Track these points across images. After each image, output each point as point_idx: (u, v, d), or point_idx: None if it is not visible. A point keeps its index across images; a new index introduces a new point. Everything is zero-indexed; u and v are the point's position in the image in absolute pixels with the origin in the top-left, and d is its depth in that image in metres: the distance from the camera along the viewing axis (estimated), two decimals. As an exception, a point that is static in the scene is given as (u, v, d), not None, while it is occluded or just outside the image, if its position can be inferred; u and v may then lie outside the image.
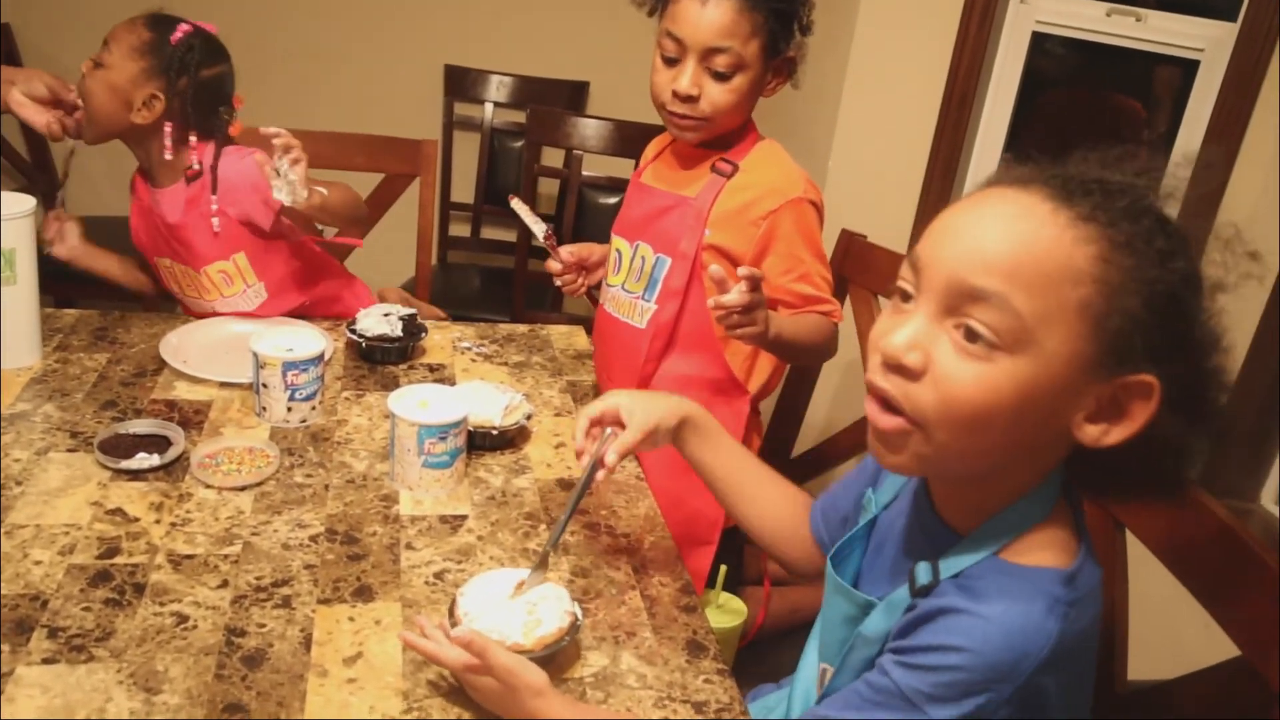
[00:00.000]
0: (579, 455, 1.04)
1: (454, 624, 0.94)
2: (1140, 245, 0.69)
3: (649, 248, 1.47)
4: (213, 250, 1.56)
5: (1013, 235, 0.70)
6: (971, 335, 0.70)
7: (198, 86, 1.52)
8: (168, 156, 1.52)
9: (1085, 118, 2.32)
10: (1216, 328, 0.72)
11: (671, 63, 1.36)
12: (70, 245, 1.57)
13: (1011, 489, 0.77)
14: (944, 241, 0.73)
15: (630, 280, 1.50)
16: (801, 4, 1.37)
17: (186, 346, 1.49)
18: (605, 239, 1.58)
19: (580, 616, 0.98)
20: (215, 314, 1.62)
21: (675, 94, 1.36)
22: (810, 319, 1.42)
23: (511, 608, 0.95)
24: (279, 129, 1.39)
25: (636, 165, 1.61)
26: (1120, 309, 0.68)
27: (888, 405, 0.74)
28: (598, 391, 1.52)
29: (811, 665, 0.95)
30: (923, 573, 0.78)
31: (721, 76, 1.35)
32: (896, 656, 0.76)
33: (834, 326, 1.45)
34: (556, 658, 0.96)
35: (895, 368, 0.72)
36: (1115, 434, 0.71)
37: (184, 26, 1.52)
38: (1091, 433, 0.72)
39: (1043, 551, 0.76)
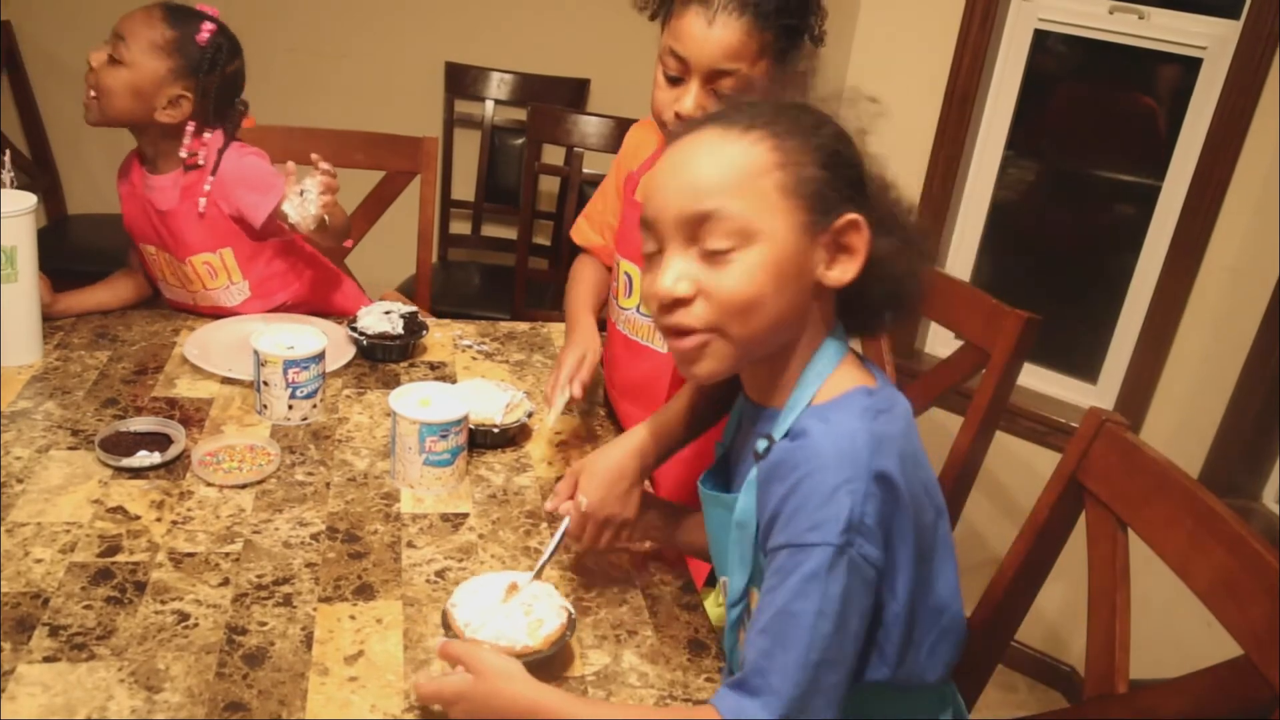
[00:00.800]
0: (549, 511, 1.11)
1: (453, 636, 0.93)
2: (795, 128, 0.86)
3: None
4: (200, 241, 1.55)
5: (708, 162, 0.87)
6: (715, 251, 0.85)
7: (221, 83, 1.52)
8: (184, 154, 1.52)
9: (1099, 114, 2.32)
10: (879, 169, 0.91)
11: (675, 81, 1.28)
12: (44, 306, 1.48)
13: (801, 352, 0.91)
14: (658, 194, 0.89)
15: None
16: (813, 15, 1.29)
17: (209, 345, 1.48)
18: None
19: (574, 611, 0.98)
20: (195, 307, 1.62)
21: (679, 115, 1.27)
22: None
23: (508, 611, 0.95)
24: (327, 164, 1.38)
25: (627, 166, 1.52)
26: (804, 176, 0.85)
27: (679, 333, 0.88)
28: (610, 408, 1.48)
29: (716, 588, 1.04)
30: (760, 444, 0.89)
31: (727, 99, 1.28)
32: (774, 534, 0.84)
33: None
34: (562, 653, 0.97)
35: (673, 303, 0.87)
36: (851, 267, 0.87)
37: (208, 25, 1.51)
38: (834, 275, 0.87)
39: (841, 384, 0.89)
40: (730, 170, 0.85)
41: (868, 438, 0.82)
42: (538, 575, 1.00)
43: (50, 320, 1.52)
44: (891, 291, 0.91)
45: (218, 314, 1.60)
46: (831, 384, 0.89)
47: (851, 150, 0.89)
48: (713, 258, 0.85)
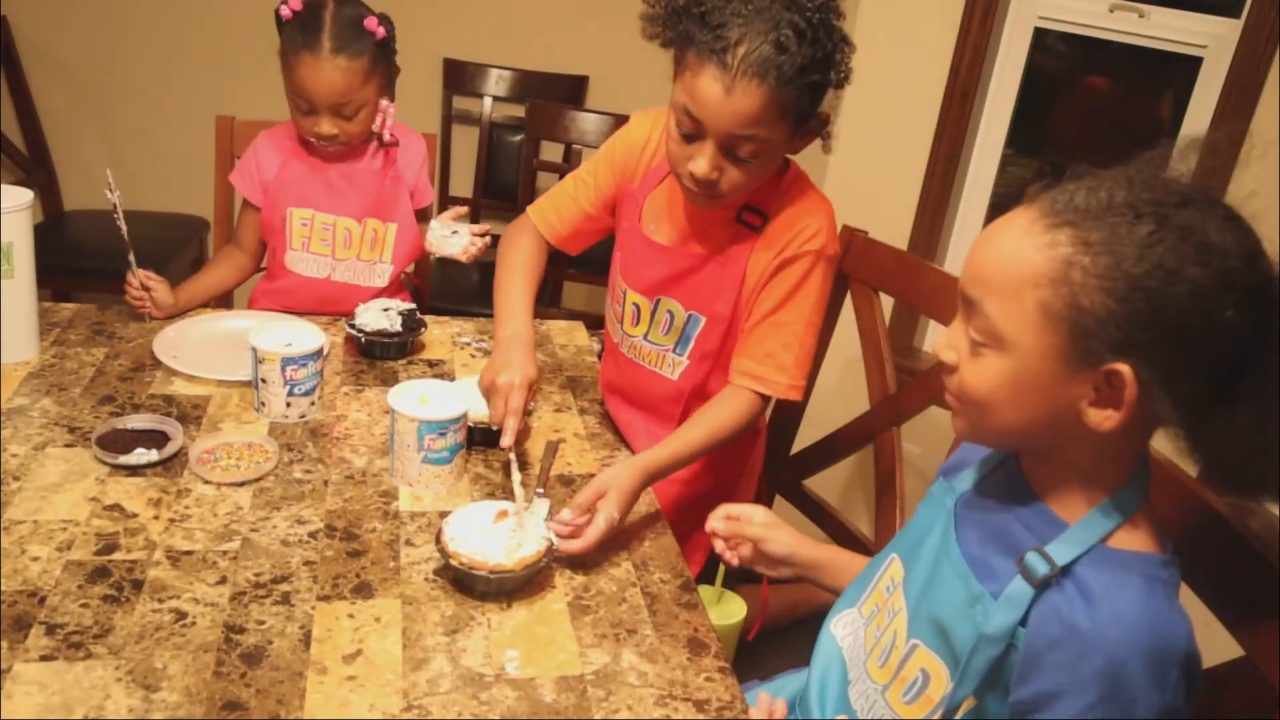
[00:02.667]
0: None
1: (443, 554, 1.04)
2: (1117, 247, 0.74)
3: (678, 304, 1.34)
4: (379, 207, 1.67)
5: (992, 249, 0.81)
6: (973, 339, 0.83)
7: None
8: (387, 136, 1.66)
9: (1099, 113, 2.32)
10: (1217, 320, 0.73)
11: (689, 138, 1.19)
12: (164, 307, 1.56)
13: (1095, 471, 0.82)
14: (969, 256, 0.85)
15: (656, 332, 1.37)
16: (839, 56, 1.17)
17: (181, 342, 1.48)
18: None
19: (555, 542, 1.08)
20: (326, 280, 1.69)
21: (693, 174, 1.19)
22: (727, 405, 1.29)
23: (494, 533, 1.06)
24: (485, 234, 1.57)
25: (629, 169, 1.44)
26: (1082, 305, 0.75)
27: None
28: (610, 422, 1.46)
29: (854, 646, 0.99)
30: (1037, 563, 0.80)
31: (742, 161, 1.18)
32: (1065, 708, 0.77)
33: (758, 405, 1.30)
34: (535, 578, 1.06)
35: (939, 363, 0.88)
36: (1114, 418, 0.77)
37: (370, 20, 1.58)
38: (1095, 417, 0.78)
39: (1134, 540, 0.81)
40: (1005, 266, 0.79)
41: (1180, 621, 0.77)
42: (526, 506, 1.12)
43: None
44: (1230, 467, 0.79)
45: (347, 294, 1.67)
46: (1124, 534, 0.81)
47: (1175, 293, 0.73)
48: (973, 345, 0.83)
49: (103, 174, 1.49)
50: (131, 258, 1.51)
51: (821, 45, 1.12)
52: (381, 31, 1.58)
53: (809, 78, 1.13)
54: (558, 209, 1.43)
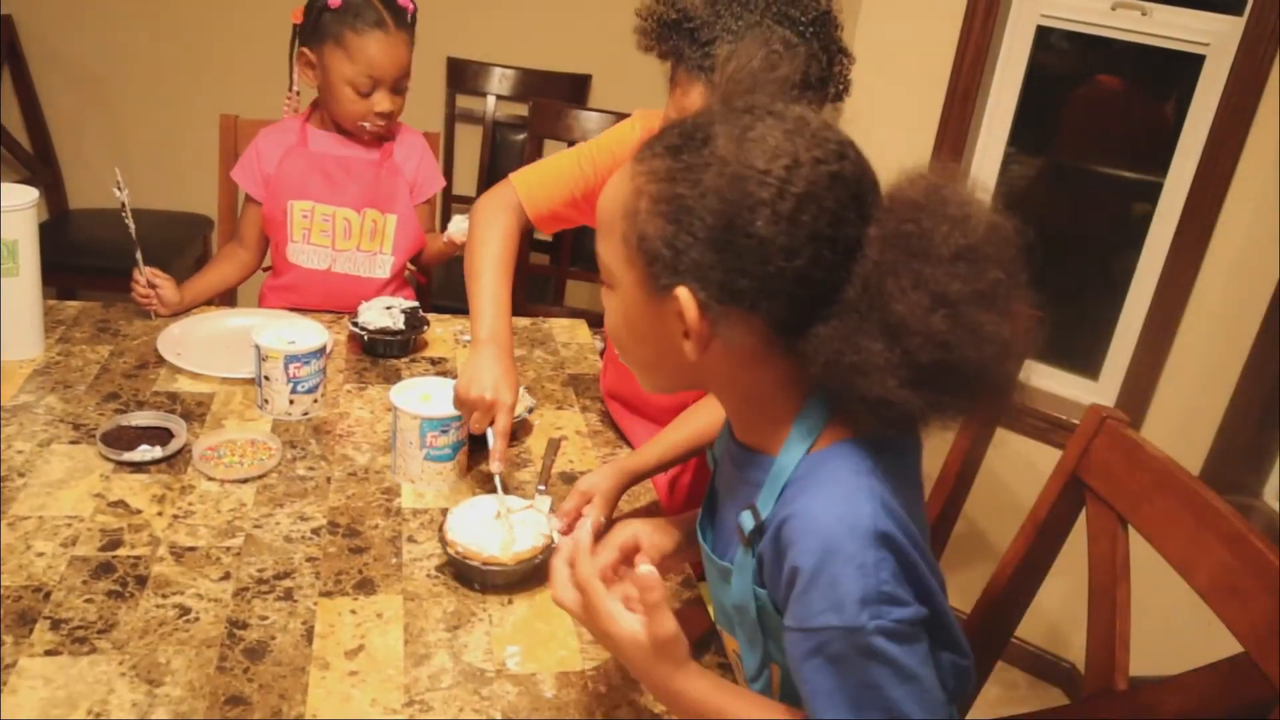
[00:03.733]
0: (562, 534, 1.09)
1: (443, 543, 1.06)
2: (672, 171, 0.74)
3: None
4: (376, 198, 1.69)
5: (604, 191, 0.82)
6: (604, 284, 0.83)
7: None
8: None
9: (1101, 112, 2.31)
10: (752, 231, 0.71)
11: None
12: (170, 304, 1.57)
13: (772, 404, 0.80)
14: None
15: None
16: (835, 75, 1.14)
17: (185, 340, 1.49)
18: None
19: (556, 540, 1.07)
20: (327, 272, 1.70)
21: None
22: (715, 407, 1.23)
23: (494, 526, 1.07)
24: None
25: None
26: (647, 234, 0.75)
27: None
28: (613, 424, 1.46)
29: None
30: (746, 520, 0.80)
31: None
32: (791, 617, 0.75)
33: None
34: (530, 574, 1.07)
35: None
36: (694, 348, 0.76)
37: None
38: (686, 348, 0.77)
39: (834, 434, 0.79)
40: (606, 206, 0.80)
41: (859, 497, 0.74)
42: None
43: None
44: (856, 392, 0.74)
45: (349, 286, 1.68)
46: (821, 442, 0.79)
47: (702, 210, 0.73)
48: (605, 286, 0.84)
49: (107, 172, 1.50)
50: (139, 255, 1.52)
51: (816, 59, 1.10)
52: (412, 7, 1.65)
53: (802, 93, 1.10)
54: (545, 185, 1.38)
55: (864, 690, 0.72)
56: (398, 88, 1.65)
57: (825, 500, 0.75)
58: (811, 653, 0.73)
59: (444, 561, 1.09)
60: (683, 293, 0.74)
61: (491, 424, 1.15)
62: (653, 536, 0.98)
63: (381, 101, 1.62)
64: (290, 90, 1.73)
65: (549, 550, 1.08)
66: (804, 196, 0.71)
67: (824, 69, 1.12)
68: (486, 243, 1.33)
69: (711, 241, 0.72)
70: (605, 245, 0.81)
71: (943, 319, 0.70)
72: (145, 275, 1.54)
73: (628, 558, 0.96)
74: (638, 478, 1.21)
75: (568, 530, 1.12)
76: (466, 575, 1.07)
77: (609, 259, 0.80)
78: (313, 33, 1.62)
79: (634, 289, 0.78)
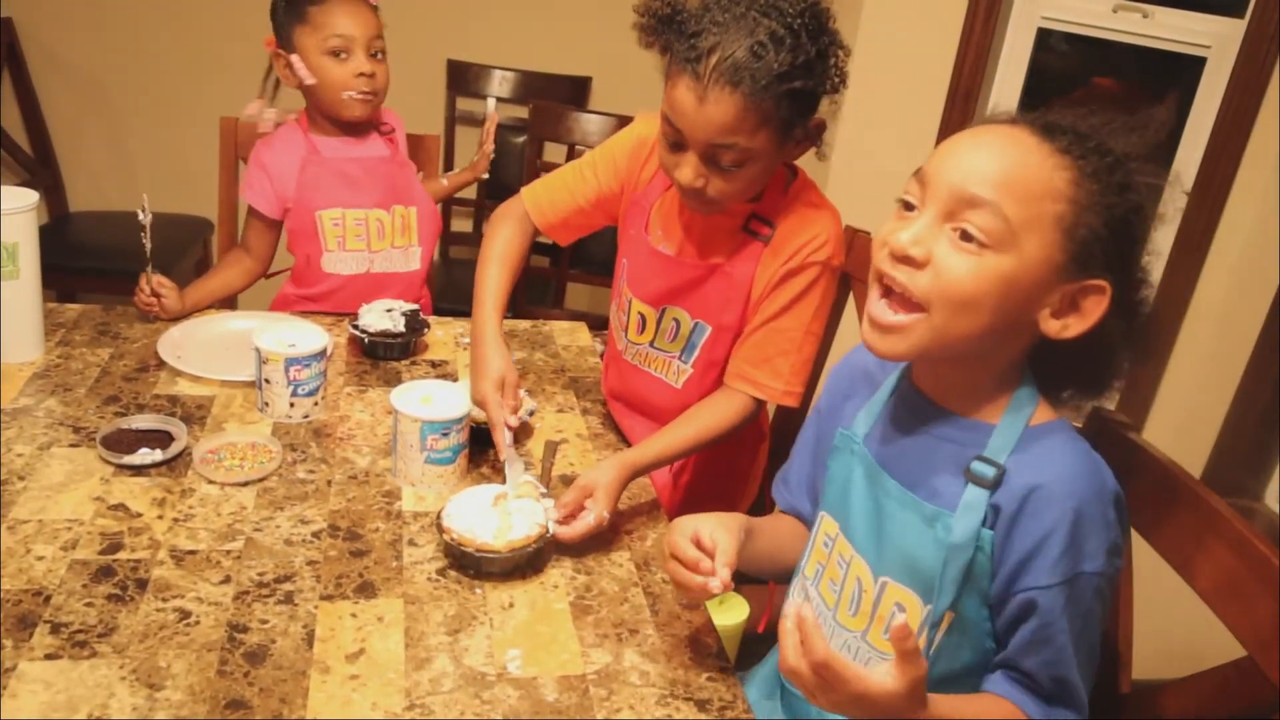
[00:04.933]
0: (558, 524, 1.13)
1: (439, 530, 1.09)
2: (1104, 176, 0.84)
3: (684, 312, 1.33)
4: (399, 194, 1.71)
5: (1005, 157, 0.84)
6: (967, 236, 0.84)
7: None
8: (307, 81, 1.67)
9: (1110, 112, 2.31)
10: (1148, 258, 0.88)
11: (674, 147, 1.18)
12: (172, 313, 1.57)
13: (1004, 374, 0.91)
14: (947, 160, 0.87)
15: (662, 340, 1.37)
16: (829, 64, 1.14)
17: (186, 343, 1.49)
18: (606, 232, 1.49)
19: (552, 530, 1.10)
20: (366, 273, 1.71)
21: (679, 183, 1.20)
22: (719, 405, 1.28)
23: (490, 514, 1.09)
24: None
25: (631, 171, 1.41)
26: (1086, 224, 0.83)
27: (892, 303, 0.88)
28: (613, 423, 1.46)
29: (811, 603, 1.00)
30: (983, 469, 0.88)
31: (727, 170, 1.16)
32: (1047, 568, 0.85)
33: (751, 408, 1.29)
34: (524, 562, 1.09)
35: (903, 259, 0.86)
36: (1074, 327, 0.85)
37: None
38: (1054, 325, 0.86)
39: (1047, 412, 0.92)
40: (1026, 177, 0.83)
41: (1100, 464, 0.88)
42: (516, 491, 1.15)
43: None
44: (1090, 372, 0.91)
45: (387, 283, 1.70)
46: (1037, 415, 0.91)
47: (1142, 229, 0.87)
48: (963, 242, 0.84)
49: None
50: (148, 251, 1.52)
51: (804, 50, 1.09)
52: None
53: (789, 84, 1.09)
54: (551, 196, 1.40)
55: (1088, 622, 0.87)
56: (372, 51, 1.63)
57: (1077, 465, 0.87)
58: (1066, 598, 0.85)
59: (445, 565, 1.09)
60: (1107, 286, 0.84)
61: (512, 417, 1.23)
62: (715, 533, 0.99)
63: (360, 63, 1.61)
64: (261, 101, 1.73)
65: (543, 539, 1.10)
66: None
67: (813, 60, 1.11)
68: (492, 248, 1.38)
69: (1134, 251, 0.86)
70: (1019, 211, 0.82)
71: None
72: (151, 284, 1.54)
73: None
74: (639, 472, 1.21)
75: (566, 522, 1.12)
76: (460, 562, 1.09)
77: (1021, 227, 0.82)
78: (282, 29, 1.63)
79: (1042, 265, 0.83)
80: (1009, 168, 0.83)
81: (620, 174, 1.38)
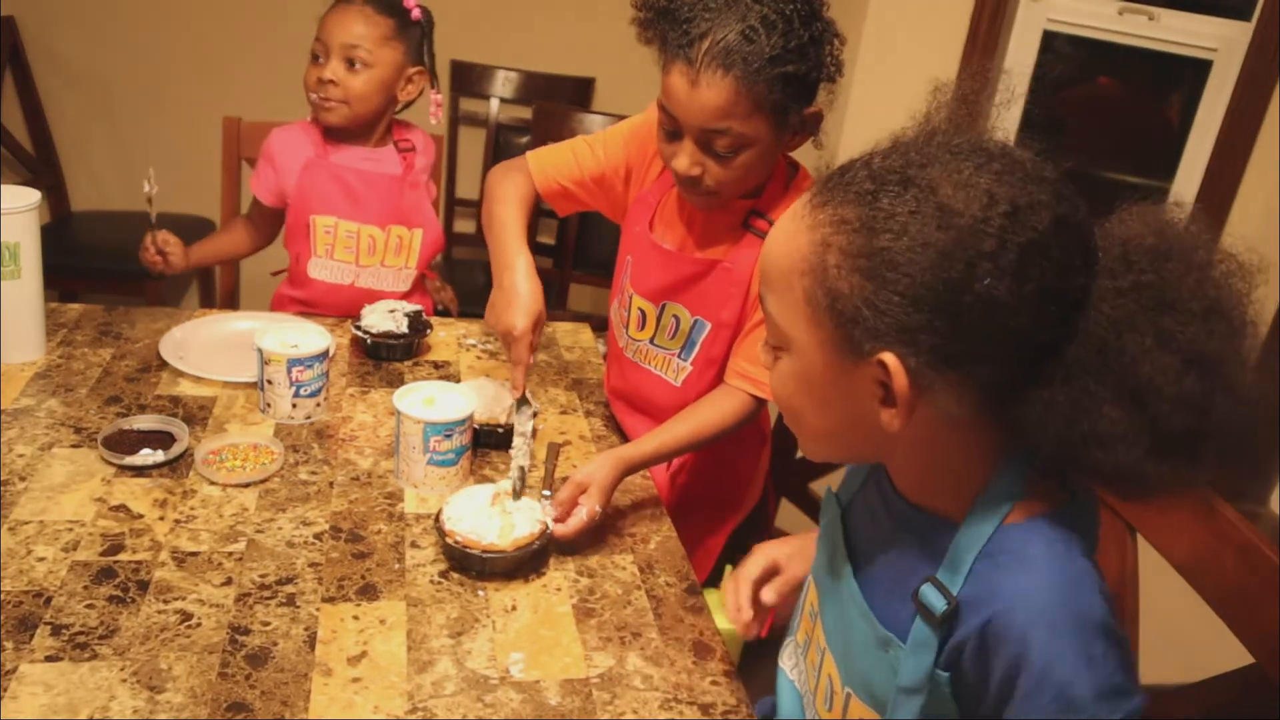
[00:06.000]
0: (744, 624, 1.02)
1: (440, 533, 1.08)
2: (870, 220, 0.66)
3: (684, 309, 1.32)
4: (403, 215, 1.68)
5: (770, 239, 0.75)
6: (770, 348, 0.77)
7: (432, 45, 1.68)
8: (434, 120, 1.71)
9: (1108, 116, 2.31)
10: (977, 289, 0.64)
11: (670, 135, 1.19)
12: (176, 270, 1.63)
13: (944, 459, 0.74)
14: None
15: (662, 337, 1.36)
16: (823, 51, 1.14)
17: (188, 343, 1.49)
18: (609, 233, 1.51)
19: (550, 526, 1.11)
20: (351, 286, 1.70)
21: (676, 171, 1.20)
22: (718, 403, 1.28)
23: (490, 514, 1.09)
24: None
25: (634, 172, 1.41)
26: (839, 290, 0.67)
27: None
28: (616, 424, 1.45)
29: (801, 682, 0.91)
30: (931, 597, 0.72)
31: (724, 157, 1.16)
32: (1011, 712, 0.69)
33: (750, 407, 1.28)
34: (528, 559, 1.09)
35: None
36: (895, 418, 0.69)
37: (413, 0, 1.62)
38: (885, 417, 0.70)
39: (1034, 505, 0.72)
40: (777, 258, 0.72)
41: (1079, 585, 0.68)
42: (517, 495, 1.15)
43: (51, 323, 1.51)
44: (1090, 465, 0.67)
45: (371, 300, 1.64)
46: (1018, 511, 0.72)
47: (945, 268, 0.64)
48: (771, 350, 0.77)
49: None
50: (153, 219, 1.56)
51: (795, 35, 1.10)
52: (418, 13, 1.63)
53: (781, 68, 1.09)
54: (557, 163, 1.39)
55: None
56: (348, 59, 1.58)
57: (1046, 588, 0.68)
58: None
59: (448, 568, 1.09)
60: (890, 360, 0.66)
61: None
62: (792, 562, 0.97)
63: (328, 68, 1.59)
64: None
65: (545, 536, 1.10)
66: (1028, 247, 0.63)
67: (805, 45, 1.11)
68: (505, 189, 1.34)
69: (922, 301, 0.64)
70: (778, 304, 0.73)
71: (1197, 379, 0.63)
72: (157, 241, 1.58)
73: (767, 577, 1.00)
74: (633, 467, 1.21)
75: (562, 519, 1.13)
76: (464, 564, 1.08)
77: (783, 320, 0.73)
78: None
79: (819, 353, 0.71)
80: (768, 250, 0.74)
81: (631, 152, 1.37)
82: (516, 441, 1.20)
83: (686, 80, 1.12)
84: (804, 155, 1.30)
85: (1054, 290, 0.65)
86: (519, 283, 1.21)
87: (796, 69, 1.11)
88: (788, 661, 0.96)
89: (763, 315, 1.21)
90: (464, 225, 3.00)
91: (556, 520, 1.13)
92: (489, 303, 1.23)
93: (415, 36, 1.64)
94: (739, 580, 1.00)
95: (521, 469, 1.19)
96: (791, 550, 1.03)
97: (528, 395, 1.28)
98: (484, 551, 1.06)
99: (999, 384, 0.67)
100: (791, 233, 0.71)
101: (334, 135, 1.68)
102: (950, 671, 0.72)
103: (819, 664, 0.87)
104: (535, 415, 1.37)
